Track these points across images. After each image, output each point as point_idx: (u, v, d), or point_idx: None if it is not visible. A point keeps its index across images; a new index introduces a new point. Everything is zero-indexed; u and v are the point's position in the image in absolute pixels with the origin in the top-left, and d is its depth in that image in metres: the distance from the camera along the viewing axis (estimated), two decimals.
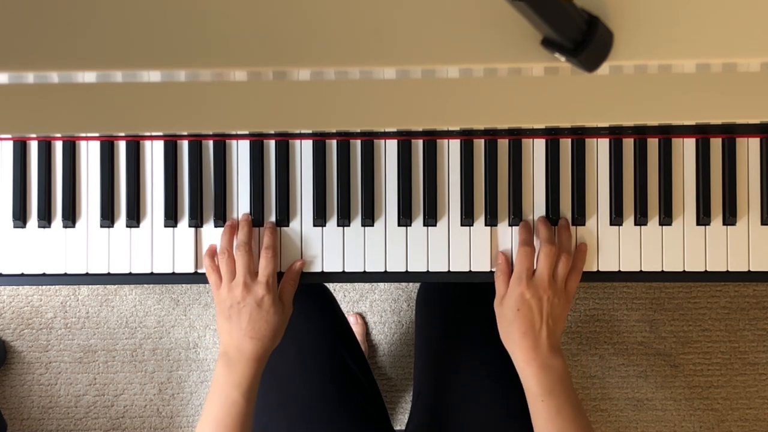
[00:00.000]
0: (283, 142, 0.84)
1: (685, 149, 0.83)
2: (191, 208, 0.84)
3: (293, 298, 0.83)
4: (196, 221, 0.84)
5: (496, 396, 0.90)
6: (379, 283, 1.51)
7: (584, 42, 0.39)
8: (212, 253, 0.83)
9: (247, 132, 0.83)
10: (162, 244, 0.84)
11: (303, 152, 0.84)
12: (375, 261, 0.84)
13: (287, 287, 0.82)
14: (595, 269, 0.83)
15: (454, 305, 0.98)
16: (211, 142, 0.84)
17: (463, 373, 0.92)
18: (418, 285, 1.46)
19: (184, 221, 0.84)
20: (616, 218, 0.83)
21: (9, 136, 0.83)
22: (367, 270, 0.84)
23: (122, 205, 0.84)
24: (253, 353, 0.78)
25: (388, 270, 0.84)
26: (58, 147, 0.84)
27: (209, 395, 0.78)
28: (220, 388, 0.77)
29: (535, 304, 0.77)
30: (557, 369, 0.76)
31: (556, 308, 0.78)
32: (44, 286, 1.49)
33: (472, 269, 0.83)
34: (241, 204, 0.84)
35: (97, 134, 0.84)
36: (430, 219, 0.83)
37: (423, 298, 1.05)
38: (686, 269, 0.83)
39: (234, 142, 0.84)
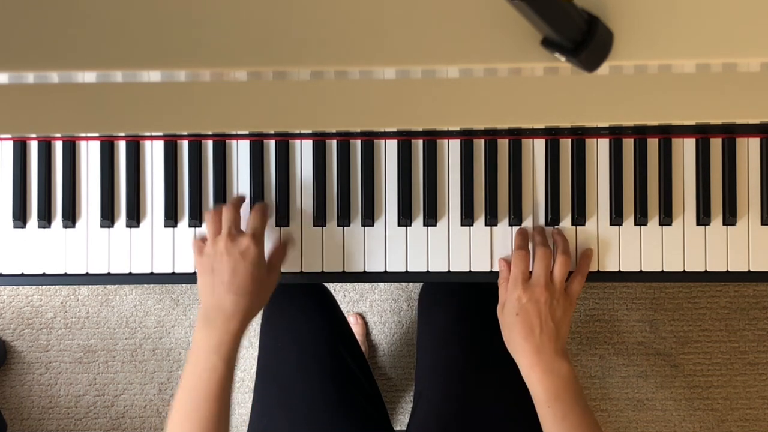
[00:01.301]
0: (283, 142, 0.84)
1: (685, 149, 0.83)
2: (191, 208, 0.84)
3: (281, 265, 0.80)
4: (196, 221, 0.84)
5: (499, 396, 0.90)
6: (379, 283, 1.51)
7: (584, 42, 0.39)
8: (203, 236, 0.81)
9: (247, 132, 0.83)
10: (162, 244, 0.84)
11: (303, 152, 0.84)
12: (375, 261, 0.84)
13: (277, 252, 0.80)
14: (595, 269, 0.83)
15: (457, 306, 0.98)
16: (211, 142, 0.84)
17: (464, 373, 0.92)
18: (418, 285, 1.46)
19: (184, 221, 0.84)
20: (616, 218, 0.83)
21: (9, 136, 0.83)
22: (367, 270, 0.84)
23: (122, 205, 0.84)
24: (235, 310, 0.73)
25: (388, 270, 0.84)
26: (58, 147, 0.84)
27: (186, 363, 0.74)
28: (200, 353, 0.73)
29: (532, 307, 0.76)
30: (563, 374, 0.75)
31: (557, 311, 0.77)
32: (44, 286, 1.49)
33: (472, 269, 0.83)
34: None
35: (97, 134, 0.84)
36: (430, 219, 0.83)
37: (425, 298, 1.05)
38: (686, 269, 0.83)
39: (234, 142, 0.84)
